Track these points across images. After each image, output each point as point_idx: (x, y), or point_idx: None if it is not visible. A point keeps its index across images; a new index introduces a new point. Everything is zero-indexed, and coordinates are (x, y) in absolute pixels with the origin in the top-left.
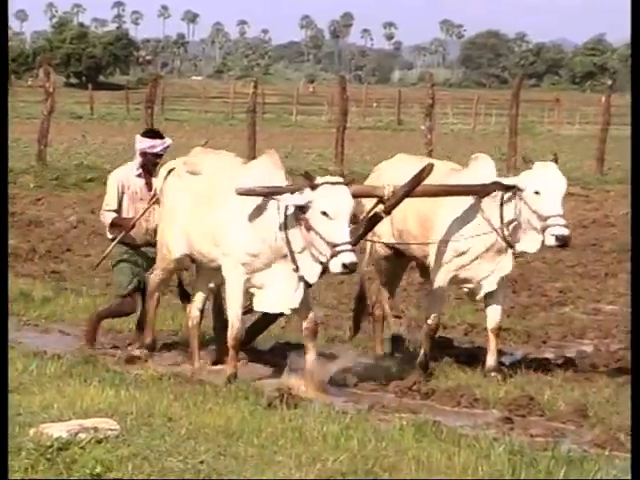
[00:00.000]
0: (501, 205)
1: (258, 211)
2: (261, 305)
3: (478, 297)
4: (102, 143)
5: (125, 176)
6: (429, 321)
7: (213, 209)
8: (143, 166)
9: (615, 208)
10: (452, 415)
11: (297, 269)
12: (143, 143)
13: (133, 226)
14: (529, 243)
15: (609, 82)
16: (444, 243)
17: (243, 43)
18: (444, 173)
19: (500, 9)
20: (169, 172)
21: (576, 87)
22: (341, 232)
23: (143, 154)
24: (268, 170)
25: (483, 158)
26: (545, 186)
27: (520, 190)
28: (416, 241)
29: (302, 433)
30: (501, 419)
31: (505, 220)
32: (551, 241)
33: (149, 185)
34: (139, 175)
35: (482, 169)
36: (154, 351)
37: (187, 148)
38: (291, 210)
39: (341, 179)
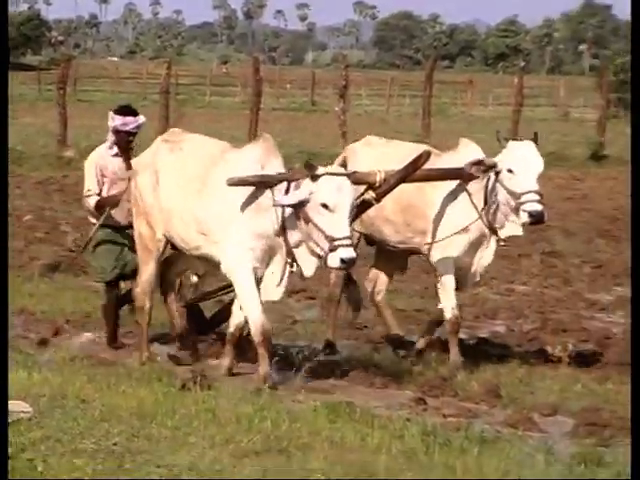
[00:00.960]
0: (485, 189)
1: (252, 200)
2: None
3: (467, 287)
4: (11, 123)
5: (101, 158)
6: (448, 315)
7: (203, 195)
8: (118, 145)
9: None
10: (366, 396)
11: (292, 262)
12: (115, 120)
13: (118, 202)
14: (513, 227)
15: (522, 63)
16: (442, 231)
17: (156, 24)
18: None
19: None
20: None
21: (489, 68)
22: (341, 226)
23: (116, 132)
24: (262, 156)
25: (469, 143)
26: (518, 164)
27: (497, 171)
28: (395, 227)
29: (215, 414)
30: (414, 400)
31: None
32: (525, 218)
33: (128, 164)
34: (115, 155)
35: (469, 153)
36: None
37: (100, 130)
38: (291, 203)
39: (342, 169)
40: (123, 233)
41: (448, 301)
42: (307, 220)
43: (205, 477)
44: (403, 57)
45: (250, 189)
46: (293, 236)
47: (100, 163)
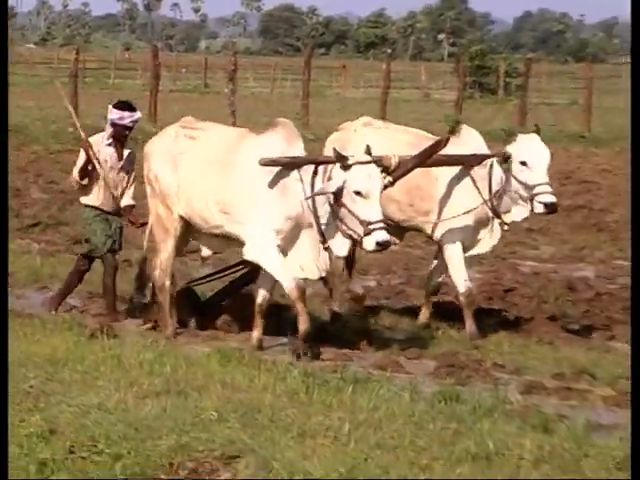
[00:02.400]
0: (489, 175)
1: (280, 179)
2: (290, 271)
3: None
4: None
5: (96, 144)
6: (461, 289)
7: (226, 177)
8: (114, 136)
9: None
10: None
11: (324, 241)
12: (112, 114)
13: (90, 147)
14: (517, 212)
15: (389, 51)
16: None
17: (65, 15)
18: (426, 142)
19: None
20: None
21: (360, 55)
22: (375, 210)
23: (113, 124)
24: (286, 140)
25: (470, 129)
26: (530, 157)
27: (507, 161)
28: (399, 206)
29: (120, 360)
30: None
31: (494, 189)
32: (540, 209)
33: (119, 155)
34: (109, 144)
35: (472, 139)
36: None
37: (22, 109)
38: (331, 191)
39: (369, 157)
40: (110, 217)
41: (459, 275)
42: (340, 205)
43: (112, 415)
44: (285, 45)
45: (274, 172)
46: (324, 218)
47: (94, 148)
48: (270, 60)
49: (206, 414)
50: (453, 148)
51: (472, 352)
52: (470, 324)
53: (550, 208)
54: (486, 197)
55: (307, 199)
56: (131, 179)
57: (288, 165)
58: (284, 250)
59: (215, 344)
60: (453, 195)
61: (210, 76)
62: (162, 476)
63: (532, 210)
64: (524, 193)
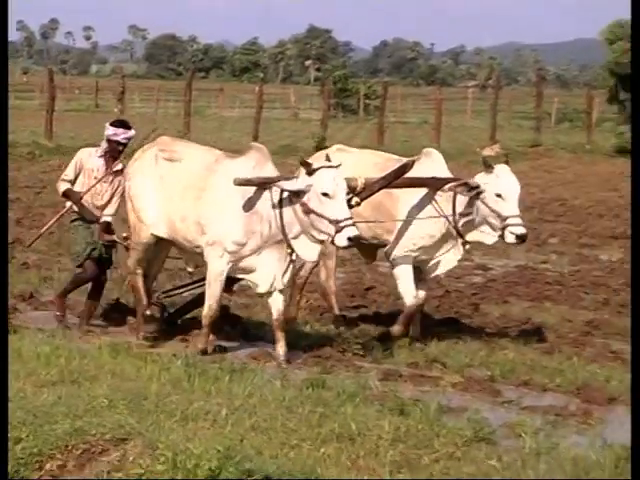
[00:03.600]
0: (454, 197)
1: (249, 202)
2: (254, 288)
3: (427, 277)
4: None
5: (87, 154)
6: (408, 304)
7: (202, 199)
8: (109, 151)
9: None
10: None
11: (292, 252)
12: (108, 130)
13: (80, 199)
14: (483, 236)
15: (261, 75)
16: (405, 227)
17: None
18: (396, 164)
19: (175, 16)
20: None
21: (236, 79)
22: (342, 209)
23: (108, 140)
24: (258, 162)
25: (434, 153)
26: (506, 190)
27: (480, 191)
28: (367, 224)
29: (20, 353)
30: (180, 340)
31: (457, 211)
32: (512, 239)
33: (108, 167)
34: (101, 156)
35: (435, 163)
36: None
37: None
38: (285, 194)
39: (333, 163)
40: (92, 226)
41: (408, 290)
42: (308, 211)
43: (12, 402)
44: (168, 69)
45: (246, 194)
46: (292, 229)
47: (84, 158)
48: (154, 83)
49: (97, 401)
50: (416, 170)
51: (334, 343)
52: (399, 326)
53: (521, 238)
54: (450, 217)
55: (270, 194)
56: (116, 192)
57: (260, 184)
58: (250, 268)
59: (105, 338)
60: (414, 215)
61: (101, 97)
62: (58, 456)
63: (503, 238)
64: (496, 222)
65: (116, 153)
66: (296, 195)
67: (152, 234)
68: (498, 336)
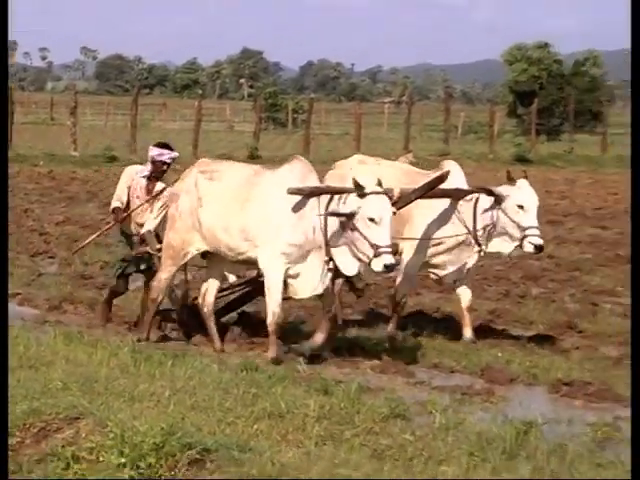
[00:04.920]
0: (475, 208)
1: (299, 208)
2: (294, 293)
3: (445, 283)
4: None
5: (134, 174)
6: (396, 298)
7: (245, 209)
8: (153, 171)
9: None
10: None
11: (330, 260)
12: (153, 151)
13: (123, 219)
14: (501, 245)
15: (200, 92)
16: (425, 238)
17: None
18: (418, 177)
19: (122, 38)
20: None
21: (177, 95)
22: (384, 236)
23: (153, 161)
24: (302, 173)
25: (454, 164)
26: (527, 202)
27: (501, 201)
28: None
29: None
30: (127, 329)
31: (479, 223)
32: (530, 249)
33: (151, 187)
34: (144, 177)
35: (455, 175)
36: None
37: None
38: (344, 213)
39: (381, 189)
40: (130, 239)
41: (402, 290)
42: (353, 229)
43: None
44: (116, 86)
45: (293, 201)
46: (335, 240)
47: (132, 177)
48: (104, 98)
49: (53, 384)
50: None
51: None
52: (393, 325)
53: (539, 249)
54: (470, 227)
55: (320, 216)
56: (155, 209)
57: (311, 194)
58: (295, 274)
59: (61, 328)
60: (433, 223)
61: (55, 111)
62: (17, 433)
63: (521, 248)
64: (515, 232)
65: (160, 174)
66: (346, 215)
67: (191, 251)
68: (411, 323)
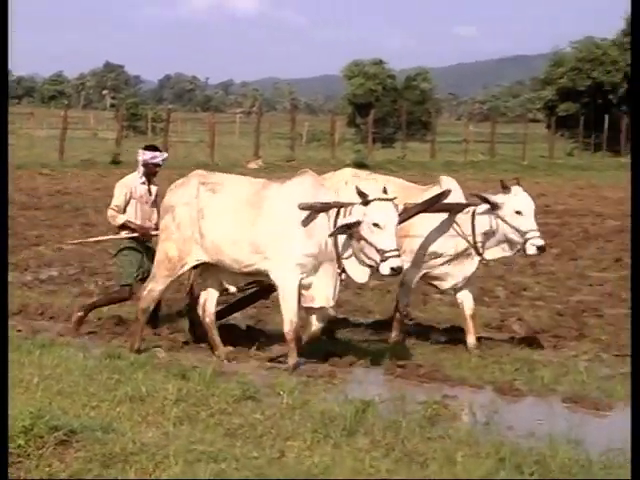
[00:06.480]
0: (473, 218)
1: (311, 220)
2: (307, 302)
3: (445, 289)
4: None
5: (133, 183)
6: (400, 309)
7: (257, 223)
8: (146, 175)
9: (72, 182)
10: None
11: (342, 271)
12: (145, 155)
13: (144, 231)
14: (499, 251)
15: (65, 102)
16: (423, 250)
17: None
18: (413, 191)
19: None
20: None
21: (45, 105)
22: (390, 240)
23: (145, 164)
24: (313, 188)
25: (451, 180)
26: (524, 206)
27: (498, 208)
28: None
29: None
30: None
31: (478, 231)
32: (533, 250)
33: (149, 191)
34: (142, 183)
35: (453, 191)
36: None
37: None
38: (350, 222)
39: (387, 195)
40: (141, 243)
41: (403, 300)
42: (359, 238)
43: None
44: None
45: (303, 215)
46: (344, 251)
47: (131, 187)
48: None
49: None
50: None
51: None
52: (396, 335)
53: (541, 250)
54: (469, 238)
55: (330, 236)
56: (156, 211)
57: (321, 210)
58: (308, 284)
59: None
60: (431, 235)
61: None
62: None
63: (524, 251)
64: (516, 238)
65: (152, 175)
66: (352, 225)
67: (190, 262)
68: (262, 310)
